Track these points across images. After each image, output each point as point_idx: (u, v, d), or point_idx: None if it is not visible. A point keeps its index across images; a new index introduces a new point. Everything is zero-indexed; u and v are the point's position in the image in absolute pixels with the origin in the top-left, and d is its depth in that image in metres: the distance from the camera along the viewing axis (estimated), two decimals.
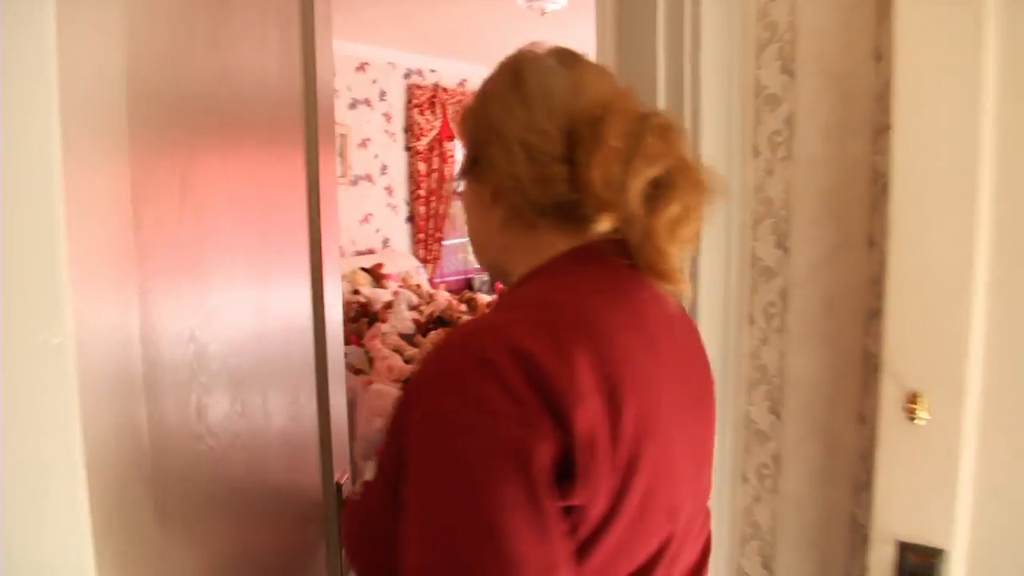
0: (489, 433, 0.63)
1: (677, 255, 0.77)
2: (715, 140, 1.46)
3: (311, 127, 1.15)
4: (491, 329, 0.69)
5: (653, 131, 0.77)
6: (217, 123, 0.91)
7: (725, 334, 1.55)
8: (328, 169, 1.21)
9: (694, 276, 1.47)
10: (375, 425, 3.57)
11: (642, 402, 0.70)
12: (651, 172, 0.75)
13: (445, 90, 6.67)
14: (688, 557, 0.83)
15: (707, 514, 0.90)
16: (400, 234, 6.68)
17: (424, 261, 6.71)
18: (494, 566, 0.61)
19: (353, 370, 3.99)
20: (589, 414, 0.65)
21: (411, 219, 6.73)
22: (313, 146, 1.16)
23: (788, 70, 1.46)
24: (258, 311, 1.02)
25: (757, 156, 1.50)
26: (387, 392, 3.59)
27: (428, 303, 5.49)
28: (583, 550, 0.67)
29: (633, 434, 0.68)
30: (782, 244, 1.50)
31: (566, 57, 0.85)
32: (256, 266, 1.02)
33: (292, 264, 1.15)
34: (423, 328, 4.60)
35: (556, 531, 0.64)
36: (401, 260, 6.40)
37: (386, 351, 3.88)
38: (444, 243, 6.92)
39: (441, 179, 6.74)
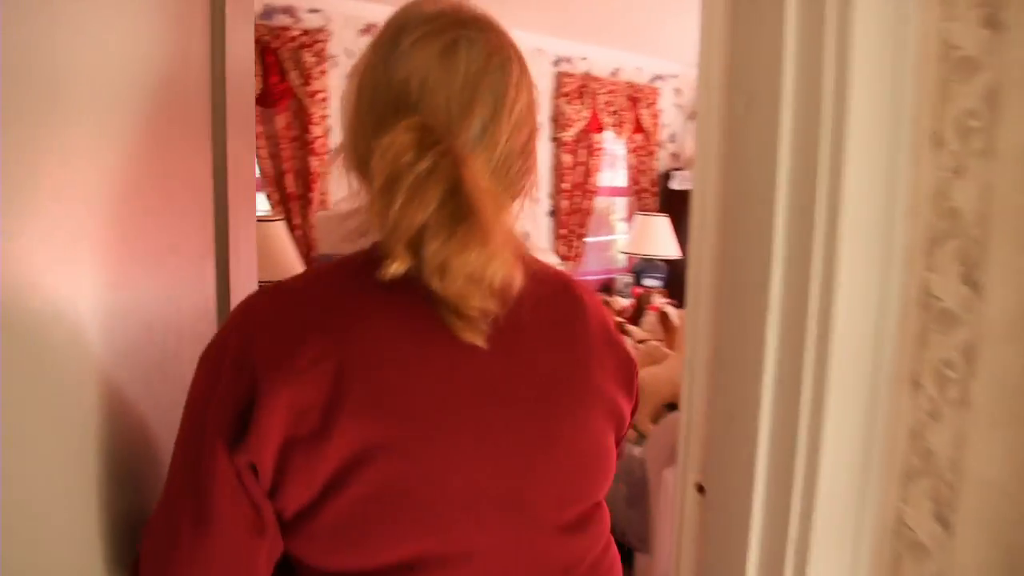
0: (204, 382, 0.72)
1: (467, 299, 0.72)
2: (871, 124, 0.99)
3: (219, 114, 0.86)
4: (267, 289, 0.78)
5: (415, 179, 0.69)
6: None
7: (872, 400, 1.08)
8: (244, 169, 0.89)
9: (825, 315, 1.01)
10: None
11: (383, 393, 0.72)
12: (409, 222, 0.69)
13: (596, 79, 6.26)
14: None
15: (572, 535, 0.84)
16: (542, 229, 6.35)
17: (565, 258, 6.35)
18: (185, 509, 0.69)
19: None
20: (296, 388, 0.68)
21: (553, 214, 6.38)
22: (220, 139, 0.86)
23: (993, 21, 0.97)
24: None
25: (939, 148, 1.02)
26: None
27: None
28: (295, 525, 0.71)
29: (358, 423, 0.70)
30: (971, 278, 1.01)
31: (429, 31, 0.76)
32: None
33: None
34: None
35: (245, 492, 0.69)
36: (541, 257, 6.07)
37: None
38: (587, 240, 6.52)
39: (587, 173, 6.35)
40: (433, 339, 0.76)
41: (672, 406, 3.52)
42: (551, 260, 6.11)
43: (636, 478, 3.15)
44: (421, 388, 0.74)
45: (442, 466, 0.74)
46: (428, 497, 0.72)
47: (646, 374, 3.43)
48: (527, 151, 0.86)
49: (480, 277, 0.71)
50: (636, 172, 6.73)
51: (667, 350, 3.56)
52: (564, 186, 6.24)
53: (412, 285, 0.73)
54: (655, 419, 3.42)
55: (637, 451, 3.16)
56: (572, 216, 6.35)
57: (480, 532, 0.76)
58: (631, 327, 3.88)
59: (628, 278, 6.52)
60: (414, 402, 0.73)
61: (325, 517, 0.69)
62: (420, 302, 0.74)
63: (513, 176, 0.84)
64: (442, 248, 0.69)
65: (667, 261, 6.40)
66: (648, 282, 6.39)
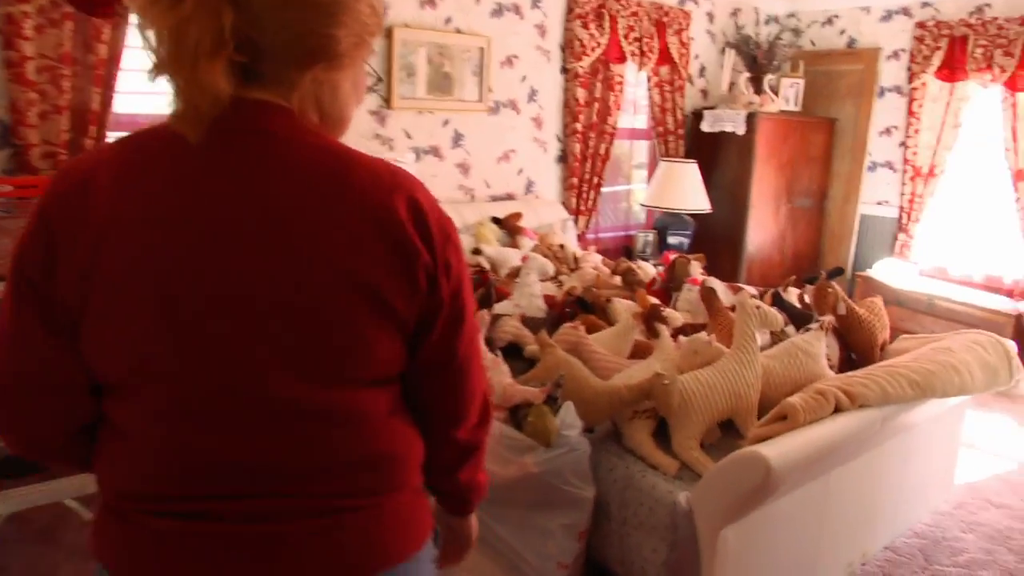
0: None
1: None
2: None
3: None
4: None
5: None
6: None
7: None
8: None
9: None
10: None
11: (114, 227, 0.84)
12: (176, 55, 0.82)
13: None
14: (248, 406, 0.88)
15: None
16: (548, 177, 5.29)
17: (576, 213, 5.30)
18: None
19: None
20: (64, 225, 0.85)
21: (563, 159, 5.31)
22: None
23: None
24: None
25: None
26: None
27: (571, 272, 4.10)
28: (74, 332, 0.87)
29: (95, 242, 0.84)
30: None
31: None
32: None
33: None
34: (559, 312, 3.23)
35: (29, 311, 0.87)
36: (546, 210, 5.02)
37: (490, 357, 2.55)
38: (603, 191, 5.46)
39: (605, 111, 5.25)
40: (187, 190, 0.86)
41: (731, 427, 2.53)
42: (558, 215, 5.05)
43: (680, 536, 2.18)
44: (159, 227, 0.85)
45: (171, 289, 0.84)
46: (155, 321, 0.85)
47: (693, 382, 2.44)
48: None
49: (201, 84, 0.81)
50: (660, 111, 5.63)
51: (719, 345, 2.58)
52: (576, 126, 5.15)
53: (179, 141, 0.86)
54: (707, 443, 2.42)
55: (682, 497, 2.18)
56: (586, 163, 5.28)
57: (198, 365, 0.86)
58: (668, 311, 2.86)
59: (649, 235, 5.48)
60: (152, 235, 0.85)
61: (86, 329, 0.87)
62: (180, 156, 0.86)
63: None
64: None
65: (694, 216, 5.35)
66: (673, 240, 5.34)
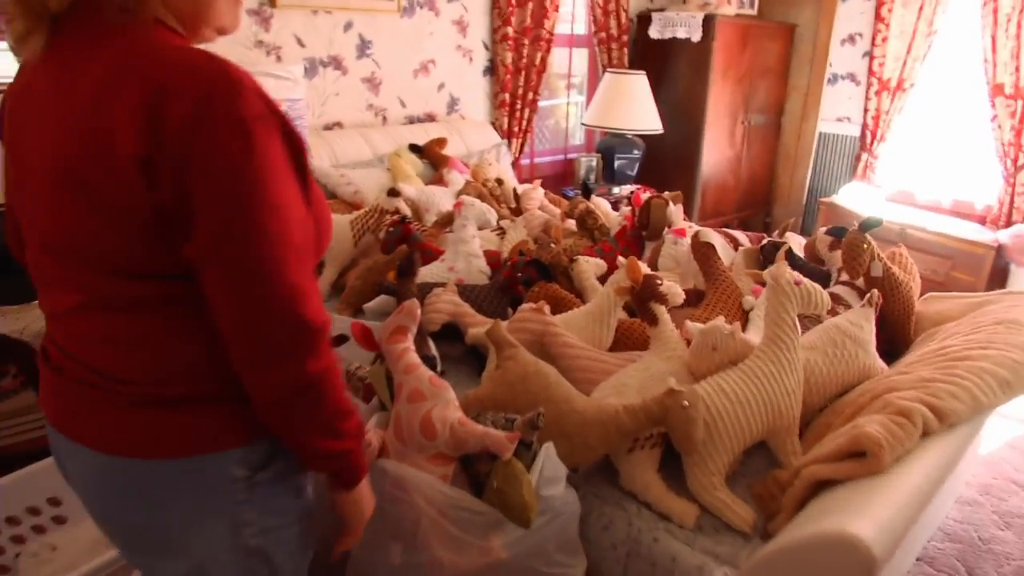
0: None
1: None
2: None
3: None
4: None
5: None
6: None
7: None
8: None
9: None
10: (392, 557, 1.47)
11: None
12: None
13: None
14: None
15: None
16: (475, 94, 4.35)
17: (509, 136, 4.40)
18: None
19: (363, 392, 1.86)
20: None
21: (492, 71, 4.36)
22: None
23: None
24: None
25: None
26: (415, 479, 1.45)
27: (513, 215, 3.24)
28: None
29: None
30: None
31: None
32: None
33: None
34: (506, 278, 2.38)
35: None
36: (475, 134, 4.11)
37: (418, 366, 1.69)
38: (540, 108, 4.55)
39: (540, 12, 4.29)
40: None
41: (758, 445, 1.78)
42: (488, 139, 4.14)
43: None
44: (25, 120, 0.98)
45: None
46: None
47: (718, 396, 1.68)
48: None
49: None
50: (603, 13, 4.71)
51: (745, 337, 1.81)
52: (508, 31, 4.19)
53: None
54: (728, 472, 1.68)
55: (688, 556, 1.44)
56: (519, 75, 4.34)
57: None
58: (667, 285, 2.05)
59: (592, 159, 4.64)
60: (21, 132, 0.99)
61: None
62: None
63: None
64: None
65: (644, 137, 4.55)
66: (622, 167, 4.53)
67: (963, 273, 4.30)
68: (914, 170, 4.93)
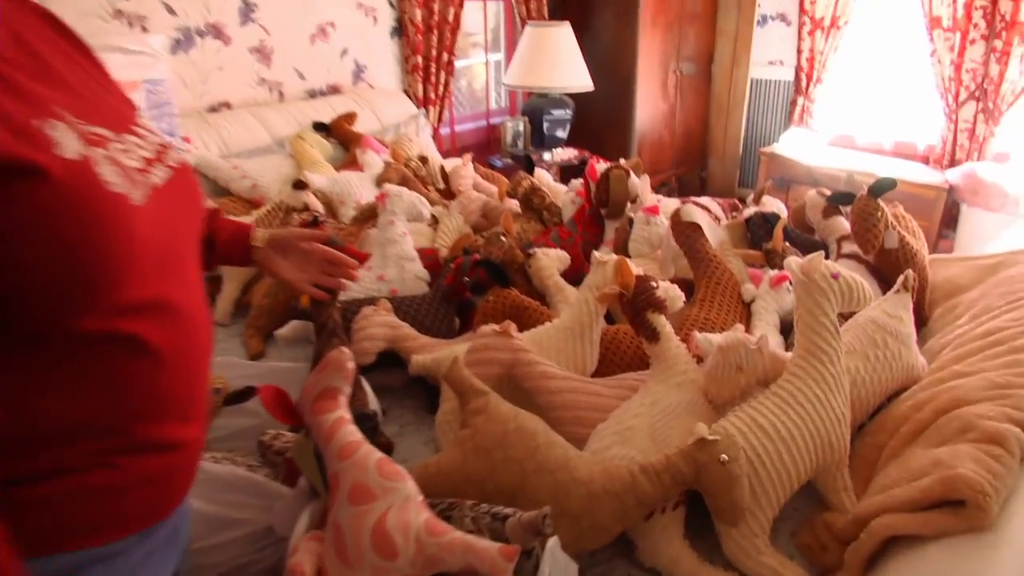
0: None
1: None
2: None
3: None
4: None
5: None
6: None
7: None
8: None
9: None
10: None
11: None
12: None
13: None
14: None
15: None
16: (383, 58, 3.79)
17: (426, 103, 3.86)
18: None
19: (284, 472, 1.38)
20: None
21: (400, 31, 3.80)
22: None
23: None
24: None
25: None
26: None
27: (443, 198, 2.74)
28: None
29: None
30: None
31: None
32: None
33: None
34: (450, 286, 1.90)
35: None
36: (387, 105, 3.56)
37: (357, 447, 1.21)
38: (455, 69, 4.02)
39: None
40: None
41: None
42: (403, 109, 3.62)
43: None
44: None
45: None
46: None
47: (759, 437, 1.28)
48: None
49: None
50: None
51: (778, 353, 1.41)
52: None
53: None
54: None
55: None
56: (431, 34, 3.80)
57: None
58: (664, 286, 1.60)
59: (519, 123, 4.16)
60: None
61: None
62: None
63: None
64: None
65: (573, 96, 4.09)
66: (550, 126, 4.07)
67: (915, 218, 4.05)
68: (853, 113, 4.65)
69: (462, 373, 1.36)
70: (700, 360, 1.50)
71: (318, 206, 2.34)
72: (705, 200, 2.58)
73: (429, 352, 1.75)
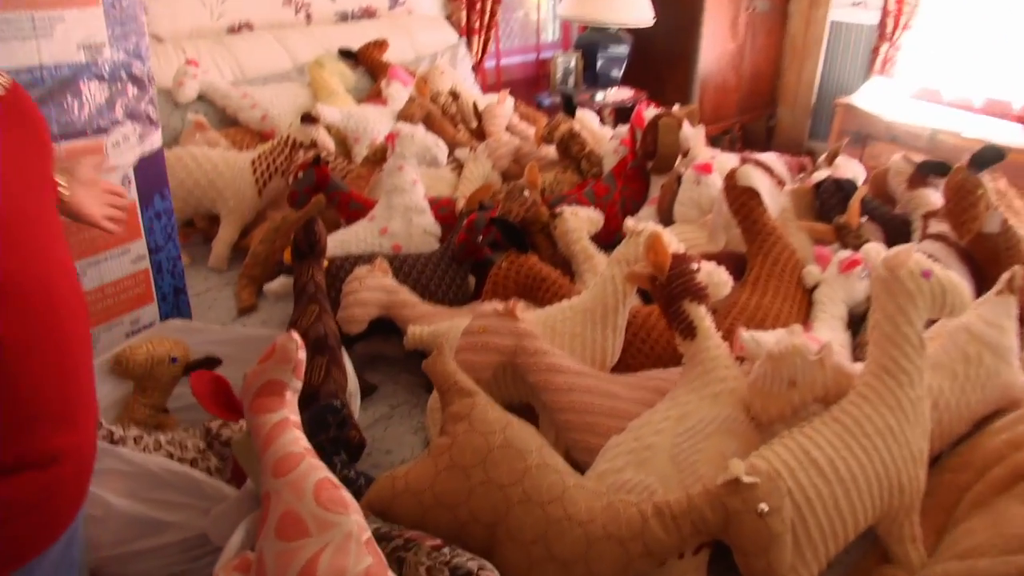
0: None
1: None
2: None
3: None
4: None
5: None
6: None
7: None
8: None
9: None
10: None
11: None
12: None
13: None
14: None
15: None
16: None
17: (468, 33, 3.53)
18: None
19: (232, 470, 1.16)
20: None
21: None
22: None
23: None
24: None
25: None
26: None
27: (473, 140, 2.45)
28: None
29: None
30: None
31: None
32: None
33: None
34: (461, 244, 1.63)
35: None
36: (425, 33, 3.25)
37: (296, 463, 0.96)
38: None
39: None
40: None
41: None
42: (444, 37, 3.29)
43: None
44: None
45: None
46: None
47: (810, 477, 1.00)
48: None
49: None
50: None
51: (842, 364, 1.12)
52: None
53: None
54: None
55: None
56: None
57: None
58: (707, 268, 1.31)
59: (571, 59, 3.80)
60: None
61: None
62: None
63: None
64: None
65: (632, 31, 3.71)
66: (604, 63, 3.70)
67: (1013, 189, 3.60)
68: (940, 63, 4.13)
69: (445, 366, 1.11)
70: (743, 361, 1.22)
71: (328, 143, 2.08)
72: (769, 157, 2.23)
73: (429, 322, 1.50)
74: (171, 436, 1.19)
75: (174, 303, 1.56)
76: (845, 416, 1.06)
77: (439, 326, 1.46)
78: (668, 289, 1.20)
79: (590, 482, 1.04)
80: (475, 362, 1.23)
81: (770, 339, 1.22)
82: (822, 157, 2.15)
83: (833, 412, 1.08)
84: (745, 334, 1.22)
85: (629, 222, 1.38)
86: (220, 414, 1.01)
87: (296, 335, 0.97)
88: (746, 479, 0.92)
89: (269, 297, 1.71)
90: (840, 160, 2.10)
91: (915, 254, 1.08)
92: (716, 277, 1.26)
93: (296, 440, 0.92)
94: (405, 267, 1.61)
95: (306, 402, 1.19)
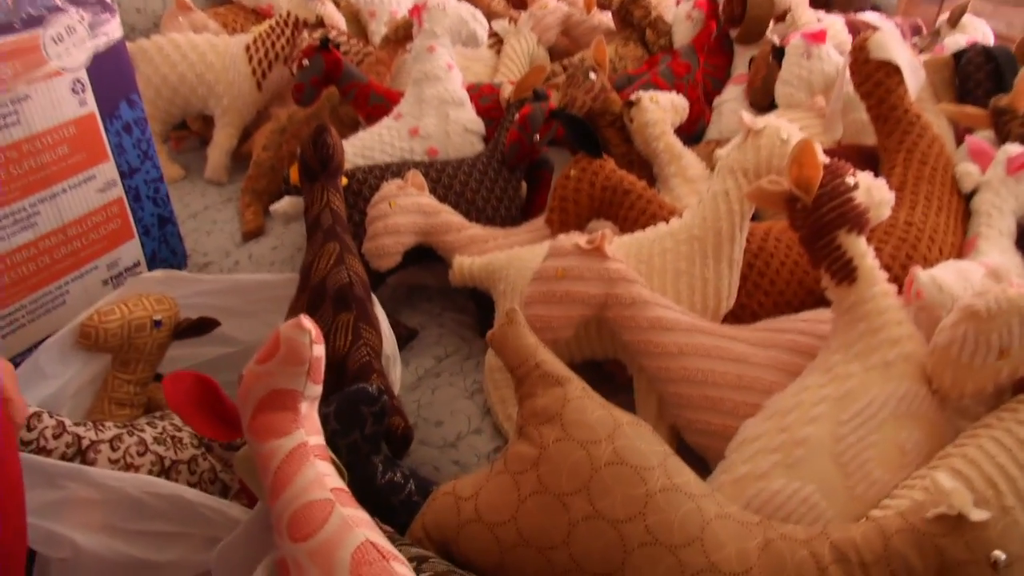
0: None
1: None
2: None
3: None
4: None
5: None
6: None
7: None
8: None
9: None
10: None
11: None
12: None
13: None
14: None
15: None
16: None
17: None
18: None
19: (240, 489, 0.88)
20: None
21: None
22: None
23: None
24: None
25: None
26: None
27: (513, 16, 2.02)
28: None
29: None
30: None
31: None
32: None
33: None
34: (515, 141, 1.28)
35: None
36: None
37: (308, 507, 0.68)
38: None
39: None
40: None
41: None
42: None
43: None
44: None
45: None
46: None
47: None
48: None
49: None
50: None
51: None
52: None
53: None
54: None
55: None
56: None
57: None
58: (868, 182, 0.96)
59: None
60: None
61: None
62: None
63: None
64: None
65: None
66: None
67: None
68: None
69: (521, 340, 0.79)
70: (923, 319, 0.89)
71: (338, 21, 1.68)
72: (873, 18, 1.81)
73: (479, 250, 1.18)
74: (162, 428, 0.91)
75: (160, 237, 1.24)
76: None
77: (494, 257, 1.13)
78: (818, 215, 0.86)
79: (732, 502, 0.74)
80: (552, 319, 0.91)
81: (955, 280, 0.88)
82: (943, 17, 1.72)
83: None
84: (922, 274, 0.89)
85: (746, 117, 1.02)
86: (207, 431, 0.70)
87: (308, 322, 0.65)
88: (975, 515, 0.62)
89: (275, 220, 1.38)
90: (966, 19, 1.68)
91: None
92: (877, 195, 0.91)
93: (319, 480, 0.63)
94: (445, 178, 1.27)
95: (330, 379, 0.89)
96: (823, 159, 0.88)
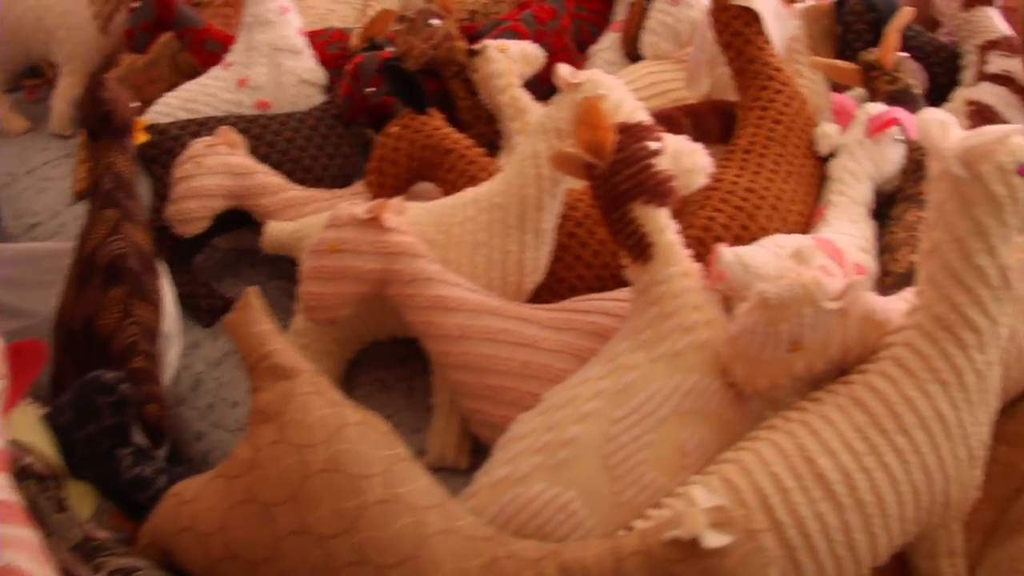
0: None
1: None
2: None
3: None
4: None
5: None
6: None
7: None
8: None
9: None
10: None
11: None
12: None
13: None
14: None
15: None
16: None
17: None
18: None
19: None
20: None
21: None
22: None
23: None
24: None
25: None
26: None
27: None
28: None
29: None
30: None
31: None
32: None
33: None
34: (347, 94, 1.16)
35: None
36: None
37: None
38: None
39: None
40: None
41: None
42: None
43: None
44: None
45: None
46: None
47: (800, 488, 0.62)
48: None
49: None
50: None
51: (874, 298, 0.71)
52: None
53: None
54: None
55: None
56: None
57: None
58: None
59: None
60: None
61: None
62: None
63: None
64: None
65: None
66: None
67: None
68: None
69: (252, 327, 0.70)
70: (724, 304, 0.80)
71: None
72: None
73: (297, 214, 1.08)
74: None
75: None
76: (873, 398, 0.67)
77: (305, 222, 1.03)
78: (611, 184, 0.76)
79: (484, 509, 0.67)
80: (325, 296, 0.82)
81: (765, 259, 0.80)
82: None
83: (855, 390, 0.68)
84: (727, 252, 0.80)
85: (564, 70, 0.91)
86: None
87: None
88: (710, 541, 0.54)
89: None
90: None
91: (1012, 136, 0.64)
92: (688, 161, 0.81)
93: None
94: (268, 134, 1.15)
95: (96, 360, 0.80)
96: (618, 120, 0.78)
